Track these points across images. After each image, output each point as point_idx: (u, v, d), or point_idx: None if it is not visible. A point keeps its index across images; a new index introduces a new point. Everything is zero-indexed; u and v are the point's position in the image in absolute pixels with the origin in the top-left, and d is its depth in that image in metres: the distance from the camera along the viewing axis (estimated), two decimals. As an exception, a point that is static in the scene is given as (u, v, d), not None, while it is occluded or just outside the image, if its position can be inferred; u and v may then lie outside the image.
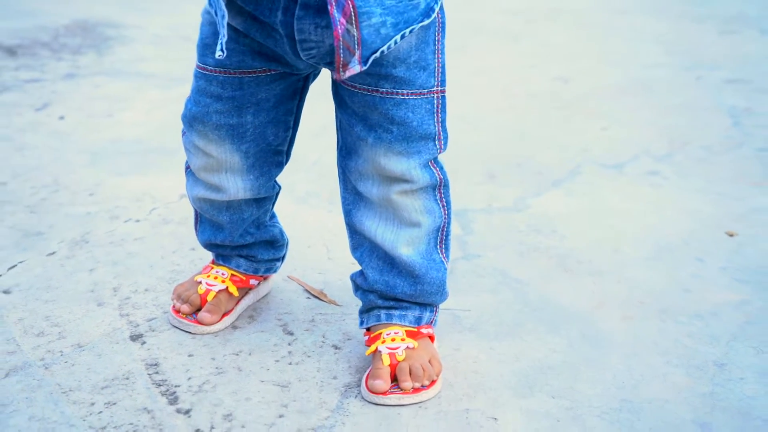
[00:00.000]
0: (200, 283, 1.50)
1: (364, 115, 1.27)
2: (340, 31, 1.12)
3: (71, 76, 2.82)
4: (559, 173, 2.20)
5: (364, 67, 1.15)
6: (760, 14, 4.01)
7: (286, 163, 1.44)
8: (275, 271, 1.58)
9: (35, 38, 3.18)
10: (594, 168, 2.24)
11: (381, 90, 1.24)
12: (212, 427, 1.25)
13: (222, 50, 1.17)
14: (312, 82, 1.38)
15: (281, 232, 1.56)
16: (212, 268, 1.53)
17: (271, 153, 1.39)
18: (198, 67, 1.32)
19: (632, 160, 2.29)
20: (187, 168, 1.45)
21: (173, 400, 1.30)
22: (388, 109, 1.25)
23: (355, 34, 1.12)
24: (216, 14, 1.19)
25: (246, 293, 1.55)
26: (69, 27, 3.38)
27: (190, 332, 1.45)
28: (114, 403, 1.28)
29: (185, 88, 1.54)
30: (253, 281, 1.54)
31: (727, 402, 1.34)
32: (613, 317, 1.56)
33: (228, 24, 1.22)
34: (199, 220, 1.52)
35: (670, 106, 2.74)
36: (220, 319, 1.47)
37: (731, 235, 1.88)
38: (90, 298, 1.56)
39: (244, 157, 1.36)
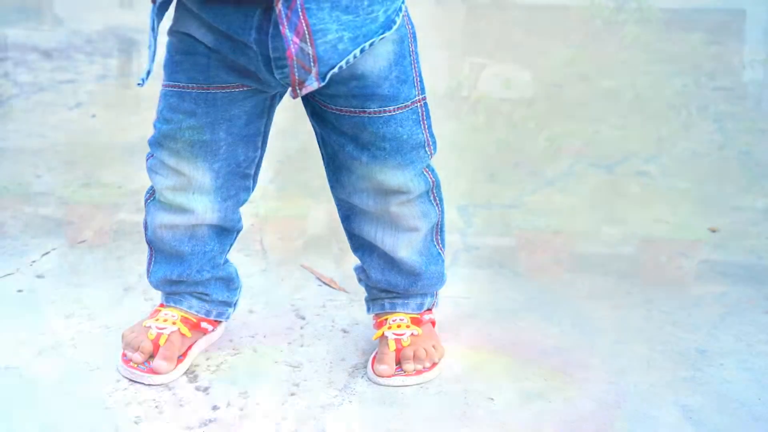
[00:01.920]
0: (149, 327, 1.30)
1: (355, 136, 1.20)
2: (293, 50, 1.05)
3: (103, 77, 2.82)
4: (553, 173, 2.19)
5: (322, 83, 1.08)
6: (742, 26, 3.99)
7: (253, 189, 1.32)
8: (226, 318, 1.39)
9: (70, 43, 3.18)
10: (586, 168, 2.23)
11: (368, 110, 1.17)
12: (229, 404, 1.24)
13: (144, 78, 1.17)
14: (278, 102, 1.28)
15: (236, 274, 1.39)
16: (160, 311, 1.34)
17: (239, 176, 1.27)
18: (167, 86, 1.22)
19: (622, 160, 2.28)
20: (147, 198, 1.30)
21: (193, 378, 1.30)
22: (378, 128, 1.19)
23: (310, 51, 1.06)
24: (152, 38, 1.15)
25: (199, 337, 1.35)
26: (101, 33, 3.38)
27: (144, 383, 1.27)
28: (138, 381, 1.28)
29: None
30: (204, 324, 1.35)
31: (708, 386, 1.33)
32: (603, 306, 1.56)
33: (198, 41, 1.17)
34: (153, 259, 1.34)
35: (658, 110, 2.73)
36: (176, 366, 1.29)
37: (713, 231, 1.87)
38: (117, 283, 1.56)
39: (215, 176, 1.24)
